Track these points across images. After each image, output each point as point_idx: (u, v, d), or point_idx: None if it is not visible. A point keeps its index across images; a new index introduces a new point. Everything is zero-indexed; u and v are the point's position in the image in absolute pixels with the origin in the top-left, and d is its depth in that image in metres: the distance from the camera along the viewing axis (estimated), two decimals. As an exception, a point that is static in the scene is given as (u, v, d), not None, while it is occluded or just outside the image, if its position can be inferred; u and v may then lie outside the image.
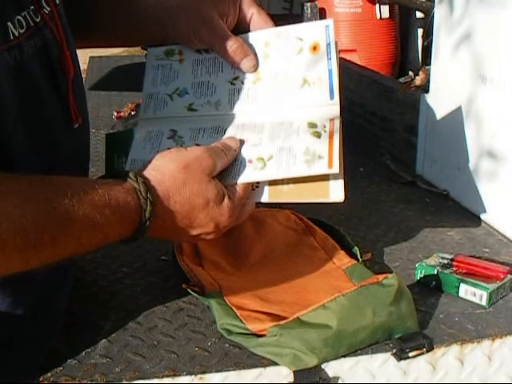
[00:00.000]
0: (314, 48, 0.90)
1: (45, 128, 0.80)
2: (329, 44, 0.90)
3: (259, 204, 0.89)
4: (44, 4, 0.80)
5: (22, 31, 0.74)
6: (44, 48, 0.79)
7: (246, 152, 0.87)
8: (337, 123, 0.86)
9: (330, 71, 0.89)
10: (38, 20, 0.78)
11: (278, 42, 0.93)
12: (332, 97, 0.88)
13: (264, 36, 0.93)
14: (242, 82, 0.93)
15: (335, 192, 0.84)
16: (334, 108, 0.88)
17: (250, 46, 0.93)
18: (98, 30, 0.99)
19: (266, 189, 0.87)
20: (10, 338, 0.80)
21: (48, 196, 0.69)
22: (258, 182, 0.87)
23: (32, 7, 0.77)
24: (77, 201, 0.70)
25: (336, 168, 0.82)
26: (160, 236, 0.84)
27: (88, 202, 0.71)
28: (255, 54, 0.92)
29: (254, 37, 0.94)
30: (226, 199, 0.82)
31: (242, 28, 0.94)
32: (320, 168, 0.82)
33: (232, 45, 0.91)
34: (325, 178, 0.84)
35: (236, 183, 0.85)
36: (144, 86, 0.97)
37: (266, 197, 0.87)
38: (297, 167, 0.83)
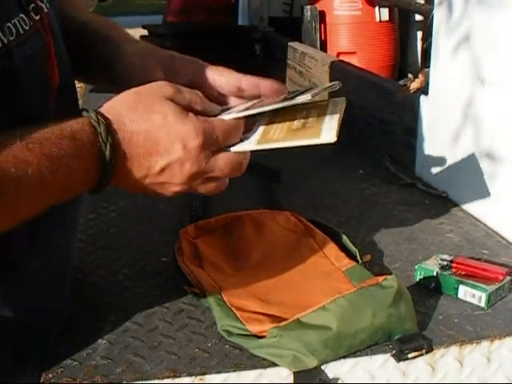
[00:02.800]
0: None
1: None
2: None
3: (259, 207, 0.88)
4: (32, 12, 0.79)
5: (11, 38, 0.73)
6: (34, 56, 0.77)
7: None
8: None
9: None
10: (27, 28, 0.77)
11: None
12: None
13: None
14: None
15: (327, 133, 0.77)
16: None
17: None
18: None
19: (257, 134, 0.81)
20: (8, 339, 0.80)
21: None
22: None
23: (22, 15, 0.76)
24: (27, 141, 0.67)
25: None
26: (130, 173, 0.74)
27: (39, 139, 0.67)
28: None
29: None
30: (191, 115, 0.75)
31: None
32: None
33: None
34: (319, 121, 0.80)
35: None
36: None
37: (255, 141, 0.79)
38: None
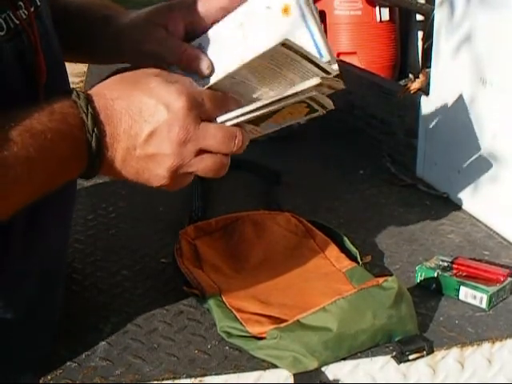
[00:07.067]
0: (285, 10, 0.82)
1: None
2: (300, 5, 0.82)
3: (259, 208, 0.88)
4: (22, 8, 0.78)
5: (1, 34, 0.73)
6: (23, 52, 0.77)
7: None
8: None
9: (312, 33, 0.81)
10: (18, 23, 0.76)
11: (249, 19, 0.84)
12: (321, 55, 0.80)
13: (234, 18, 0.86)
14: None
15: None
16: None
17: (227, 33, 0.86)
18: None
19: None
20: (5, 341, 0.80)
21: None
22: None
23: (10, 11, 0.76)
24: (8, 121, 0.65)
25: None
26: (118, 143, 0.71)
27: (20, 117, 0.66)
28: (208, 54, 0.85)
29: (226, 23, 0.86)
30: (176, 83, 0.72)
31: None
32: None
33: (180, 52, 0.85)
34: None
35: None
36: None
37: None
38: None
